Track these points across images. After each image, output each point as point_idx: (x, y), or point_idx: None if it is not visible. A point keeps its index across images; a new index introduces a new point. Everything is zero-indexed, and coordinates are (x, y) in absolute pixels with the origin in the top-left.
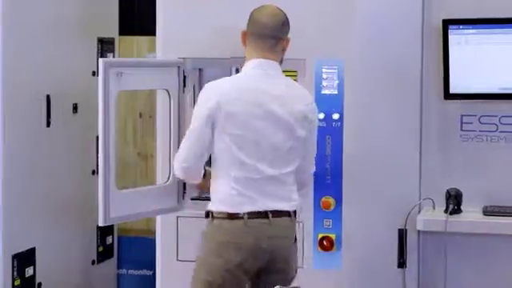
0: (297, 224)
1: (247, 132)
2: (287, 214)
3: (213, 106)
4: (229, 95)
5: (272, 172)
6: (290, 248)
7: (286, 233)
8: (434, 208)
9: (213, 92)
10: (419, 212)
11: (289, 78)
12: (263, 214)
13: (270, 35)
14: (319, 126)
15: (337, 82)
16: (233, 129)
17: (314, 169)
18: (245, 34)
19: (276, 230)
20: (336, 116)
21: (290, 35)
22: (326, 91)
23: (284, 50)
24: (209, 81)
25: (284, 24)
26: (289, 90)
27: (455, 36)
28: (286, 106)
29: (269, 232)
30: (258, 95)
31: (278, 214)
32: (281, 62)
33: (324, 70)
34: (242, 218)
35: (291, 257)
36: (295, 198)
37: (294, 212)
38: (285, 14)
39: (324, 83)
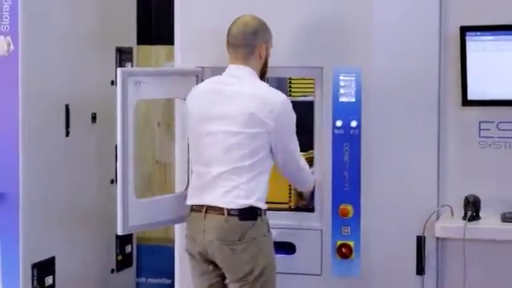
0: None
1: None
2: (220, 210)
3: None
4: None
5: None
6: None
7: (218, 230)
8: (452, 215)
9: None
10: (437, 219)
11: (262, 83)
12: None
13: (241, 44)
14: (337, 134)
15: (354, 89)
16: None
17: (295, 167)
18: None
19: (208, 225)
20: (354, 123)
21: (272, 42)
22: (343, 99)
23: (261, 57)
24: None
25: (257, 32)
26: (251, 90)
27: (473, 42)
28: (237, 104)
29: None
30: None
31: (212, 209)
32: (264, 68)
33: (341, 78)
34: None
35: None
36: (249, 194)
37: (244, 209)
38: (260, 23)
39: (342, 91)
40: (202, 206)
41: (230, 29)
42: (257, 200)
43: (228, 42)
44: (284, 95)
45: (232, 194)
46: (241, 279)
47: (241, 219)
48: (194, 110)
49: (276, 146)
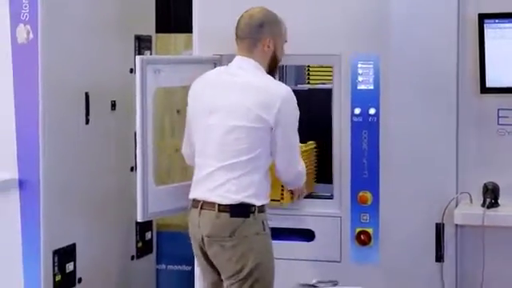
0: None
1: None
2: (212, 206)
3: None
4: None
5: (215, 163)
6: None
7: (210, 226)
8: (471, 202)
9: None
10: (456, 206)
11: (265, 76)
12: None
13: (246, 36)
14: (355, 121)
15: (372, 77)
16: None
17: (292, 163)
18: None
19: (202, 221)
20: (372, 111)
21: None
22: (361, 86)
23: (266, 50)
24: None
25: (262, 25)
26: (254, 83)
27: (491, 30)
28: (237, 97)
29: (198, 222)
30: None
31: (206, 205)
32: (273, 63)
33: (360, 66)
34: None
35: (217, 253)
36: (240, 190)
37: (235, 206)
38: (267, 16)
39: (360, 78)
40: (199, 201)
41: (238, 20)
42: (248, 196)
43: (235, 33)
44: (287, 88)
45: (223, 189)
46: (230, 277)
47: (231, 215)
48: (199, 99)
49: (276, 139)
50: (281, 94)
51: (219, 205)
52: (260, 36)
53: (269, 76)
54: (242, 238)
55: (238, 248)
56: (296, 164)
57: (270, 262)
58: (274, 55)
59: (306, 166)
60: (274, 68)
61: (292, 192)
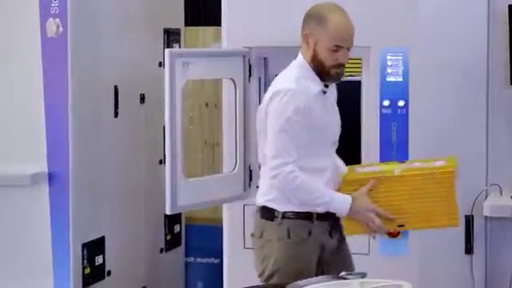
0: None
1: None
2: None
3: None
4: None
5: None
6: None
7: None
8: (500, 194)
9: None
10: (486, 198)
11: (292, 69)
12: None
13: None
14: (384, 113)
15: (402, 68)
16: None
17: (262, 159)
18: None
19: None
20: (401, 103)
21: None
22: (391, 78)
23: (305, 45)
24: (274, 70)
25: (306, 18)
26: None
27: None
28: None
29: None
30: None
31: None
32: (318, 65)
33: (389, 58)
34: None
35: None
36: (264, 192)
37: (262, 207)
38: (311, 11)
39: (389, 70)
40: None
41: None
42: (269, 201)
43: None
44: (288, 84)
45: (259, 190)
46: (258, 276)
47: (261, 217)
48: None
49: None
50: (275, 87)
51: (257, 205)
52: (303, 30)
53: (292, 72)
54: (266, 241)
55: (262, 250)
56: (269, 160)
57: (291, 270)
58: (314, 54)
59: (421, 195)
60: (320, 74)
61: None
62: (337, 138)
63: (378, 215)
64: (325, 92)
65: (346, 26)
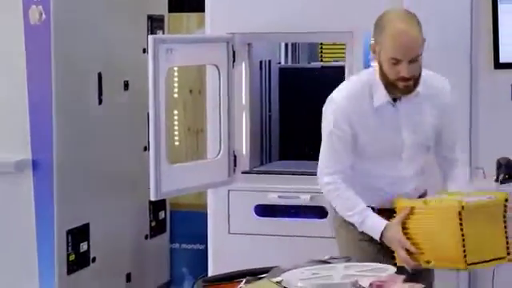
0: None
1: None
2: None
3: None
4: None
5: None
6: None
7: None
8: (484, 177)
9: None
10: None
11: (358, 77)
12: None
13: None
14: None
15: None
16: None
17: None
18: None
19: None
20: None
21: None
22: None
23: (372, 52)
24: (258, 55)
25: (373, 26)
26: None
27: (505, 5)
28: None
29: None
30: None
31: None
32: (382, 75)
33: (372, 42)
34: None
35: None
36: None
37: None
38: (379, 18)
39: (372, 55)
40: None
41: None
42: None
43: None
44: (332, 95)
45: None
46: None
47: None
48: None
49: None
50: (334, 92)
51: None
52: (372, 38)
53: (353, 81)
54: (334, 228)
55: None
56: (319, 174)
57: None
58: (383, 70)
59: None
60: (385, 85)
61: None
62: (404, 151)
63: (404, 248)
64: (393, 105)
65: (403, 38)
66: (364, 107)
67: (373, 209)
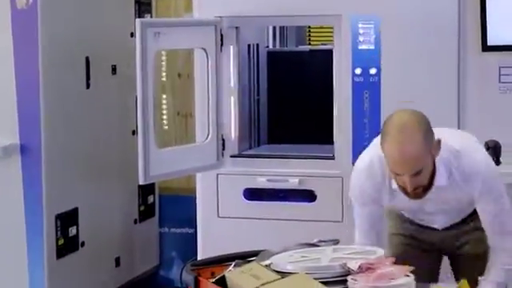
0: None
1: None
2: None
3: None
4: None
5: None
6: None
7: None
8: None
9: None
10: None
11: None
12: None
13: None
14: (357, 82)
15: (374, 36)
16: None
17: None
18: None
19: None
20: (373, 71)
21: None
22: (362, 46)
23: None
24: (246, 39)
25: None
26: None
27: None
28: None
29: None
30: None
31: None
32: None
33: (360, 26)
34: None
35: None
36: None
37: None
38: (386, 118)
39: (360, 38)
40: None
41: None
42: None
43: None
44: (360, 160)
45: None
46: None
47: None
48: None
49: None
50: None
51: None
52: None
53: (372, 148)
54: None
55: None
56: None
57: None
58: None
59: None
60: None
61: None
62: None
63: None
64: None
65: (399, 156)
66: (376, 181)
67: None
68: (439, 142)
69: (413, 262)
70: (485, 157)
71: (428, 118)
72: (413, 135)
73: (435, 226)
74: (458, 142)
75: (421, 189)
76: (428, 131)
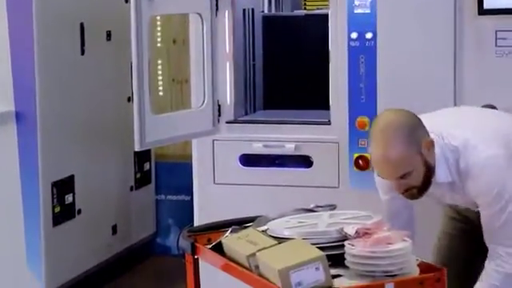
0: None
1: None
2: None
3: None
4: None
5: None
6: None
7: None
8: None
9: None
10: None
11: None
12: None
13: None
14: (352, 46)
15: (369, 0)
16: None
17: None
18: None
19: None
20: (369, 35)
21: None
22: (358, 10)
23: None
24: (241, 3)
25: None
26: None
27: None
28: None
29: None
30: None
31: None
32: None
33: None
34: None
35: None
36: None
37: None
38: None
39: (356, 2)
40: None
41: None
42: None
43: None
44: None
45: None
46: None
47: None
48: None
49: None
50: None
51: None
52: None
53: None
54: None
55: None
56: None
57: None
58: None
59: None
60: None
61: None
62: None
63: None
64: None
65: (379, 162)
66: None
67: None
68: (432, 142)
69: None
70: (485, 155)
71: (416, 117)
72: (395, 139)
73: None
74: (461, 136)
75: (415, 190)
76: (413, 132)
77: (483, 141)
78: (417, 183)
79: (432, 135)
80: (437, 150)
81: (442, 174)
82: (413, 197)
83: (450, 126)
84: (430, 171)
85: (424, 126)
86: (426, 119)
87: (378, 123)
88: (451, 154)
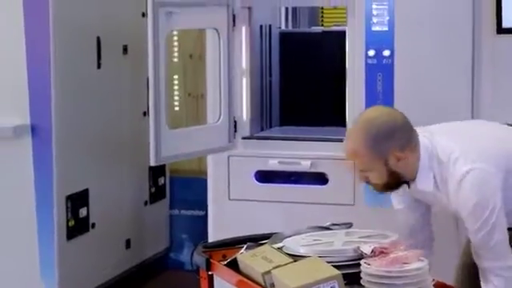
0: None
1: None
2: None
3: None
4: None
5: None
6: None
7: None
8: None
9: None
10: None
11: None
12: None
13: None
14: (370, 64)
15: (387, 18)
16: None
17: None
18: None
19: None
20: (387, 53)
21: None
22: (376, 28)
23: None
24: (258, 20)
25: None
26: None
27: None
28: None
29: None
30: None
31: None
32: None
33: (374, 7)
34: None
35: None
36: None
37: None
38: None
39: (374, 20)
40: None
41: None
42: None
43: None
44: None
45: None
46: None
47: None
48: None
49: None
50: None
51: None
52: None
53: None
54: None
55: None
56: None
57: None
58: None
59: None
60: None
61: None
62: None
63: None
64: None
65: (344, 148)
66: None
67: None
68: (403, 156)
69: None
70: (465, 169)
71: (401, 125)
72: (358, 135)
73: None
74: (449, 149)
75: (377, 186)
76: (381, 139)
77: (466, 155)
78: (378, 181)
79: (427, 142)
80: (425, 158)
81: (423, 183)
82: (376, 189)
83: (446, 138)
84: (396, 178)
85: (408, 137)
86: (437, 128)
87: (362, 113)
88: (437, 165)
